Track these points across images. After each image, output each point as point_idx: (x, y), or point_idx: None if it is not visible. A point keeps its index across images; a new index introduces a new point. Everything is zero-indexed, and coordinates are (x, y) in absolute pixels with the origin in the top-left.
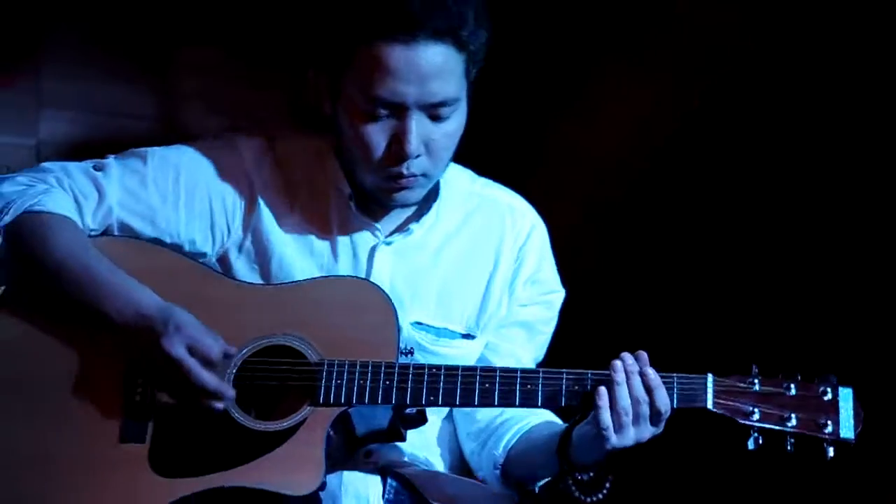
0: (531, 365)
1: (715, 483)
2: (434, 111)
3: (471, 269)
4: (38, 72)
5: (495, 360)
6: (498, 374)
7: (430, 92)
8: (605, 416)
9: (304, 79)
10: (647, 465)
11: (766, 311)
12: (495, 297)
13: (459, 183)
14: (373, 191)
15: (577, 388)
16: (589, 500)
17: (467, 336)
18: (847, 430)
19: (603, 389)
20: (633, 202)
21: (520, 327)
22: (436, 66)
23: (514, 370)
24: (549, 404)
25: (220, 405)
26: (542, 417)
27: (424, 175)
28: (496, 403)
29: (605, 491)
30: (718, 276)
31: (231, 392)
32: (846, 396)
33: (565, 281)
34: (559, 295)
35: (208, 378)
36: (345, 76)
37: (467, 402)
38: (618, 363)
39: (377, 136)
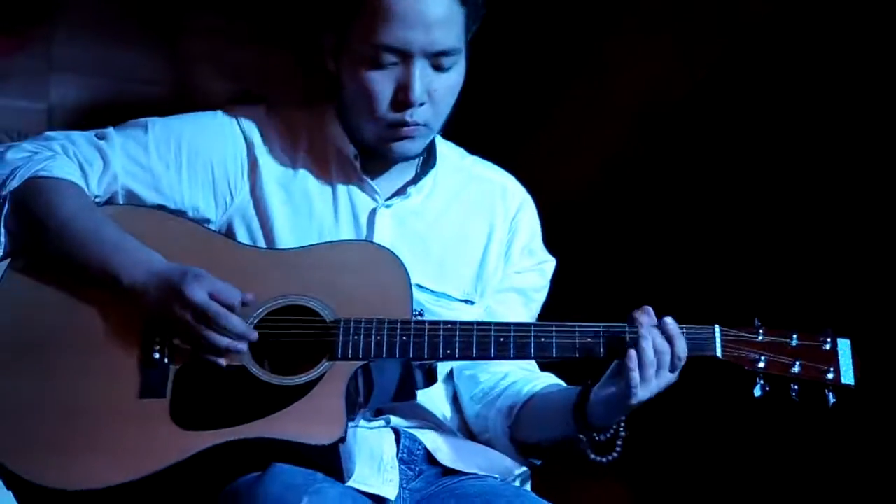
0: None
1: (722, 434)
2: (437, 60)
3: (466, 239)
4: (50, 37)
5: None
6: (512, 327)
7: (435, 40)
8: (636, 377)
9: (319, 44)
10: (655, 419)
11: (762, 270)
12: (491, 266)
13: (451, 157)
14: (375, 143)
15: (590, 340)
16: (604, 459)
17: (466, 301)
18: (848, 377)
19: (632, 352)
20: (644, 160)
21: (515, 293)
22: (440, 16)
23: (529, 324)
24: (565, 357)
25: (244, 347)
26: (549, 380)
27: (426, 125)
28: (512, 356)
29: (618, 449)
30: (714, 233)
31: (254, 334)
32: (844, 346)
33: (575, 238)
34: (551, 264)
35: (235, 320)
36: (351, 29)
37: (483, 354)
38: (643, 318)
39: (383, 83)
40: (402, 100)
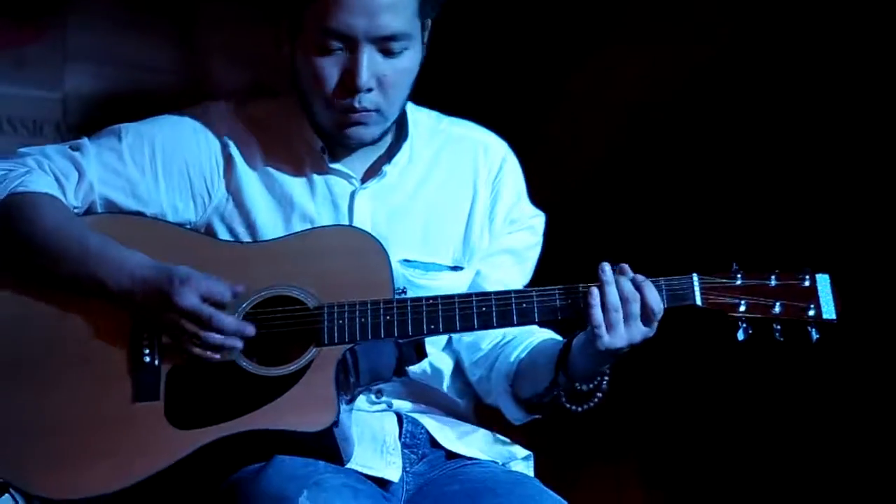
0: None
1: (708, 383)
2: (385, 45)
3: (450, 203)
4: (65, 26)
5: (487, 287)
6: (493, 296)
7: (380, 25)
8: (597, 314)
9: (277, 29)
10: (640, 373)
11: (739, 215)
12: (476, 228)
13: (427, 123)
14: (330, 129)
15: (569, 300)
16: (576, 408)
17: (456, 268)
18: (829, 312)
19: (594, 289)
20: (644, 149)
21: (507, 254)
22: (386, 1)
23: (509, 292)
24: (547, 319)
25: (239, 343)
26: (546, 335)
27: (378, 111)
28: (495, 324)
29: (594, 402)
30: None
31: (250, 329)
32: (824, 281)
33: (575, 209)
34: (541, 219)
35: (229, 321)
36: (305, 14)
37: (467, 326)
38: (605, 264)
39: (329, 68)
40: (349, 85)
